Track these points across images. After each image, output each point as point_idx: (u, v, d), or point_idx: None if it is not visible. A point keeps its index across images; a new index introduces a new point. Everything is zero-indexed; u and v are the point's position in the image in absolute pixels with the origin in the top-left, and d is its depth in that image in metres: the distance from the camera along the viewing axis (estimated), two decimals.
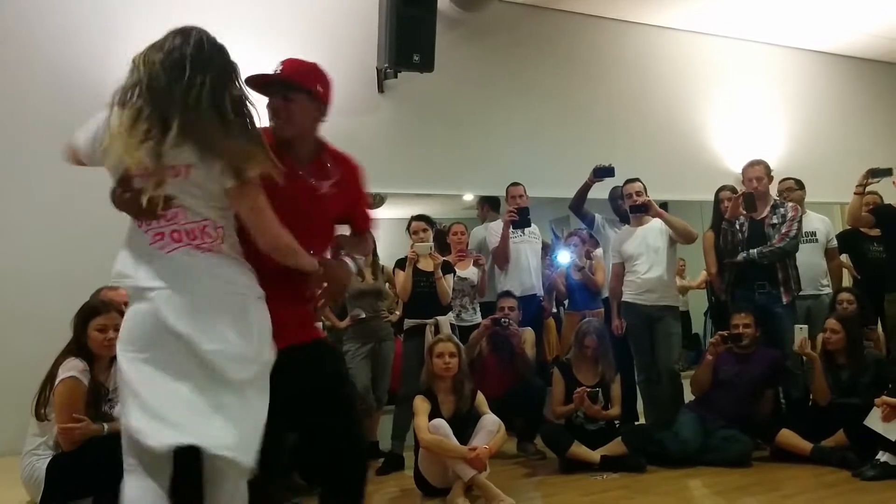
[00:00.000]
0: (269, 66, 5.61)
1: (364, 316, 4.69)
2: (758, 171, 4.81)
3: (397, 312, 5.02)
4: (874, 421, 3.89)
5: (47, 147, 4.44)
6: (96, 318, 3.13)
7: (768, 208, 4.77)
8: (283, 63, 2.43)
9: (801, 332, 4.39)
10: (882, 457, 3.81)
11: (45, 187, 4.41)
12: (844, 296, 4.91)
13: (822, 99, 7.46)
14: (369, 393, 4.67)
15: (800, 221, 4.72)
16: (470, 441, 3.72)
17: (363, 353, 4.68)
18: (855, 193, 4.86)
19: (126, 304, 3.57)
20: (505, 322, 4.62)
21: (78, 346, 3.12)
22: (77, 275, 4.02)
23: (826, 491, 3.69)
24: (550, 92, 6.07)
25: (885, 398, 3.88)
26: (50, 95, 4.48)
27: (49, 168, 4.45)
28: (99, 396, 3.10)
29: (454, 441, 3.67)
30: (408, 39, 5.01)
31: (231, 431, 1.84)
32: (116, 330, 3.09)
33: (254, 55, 4.89)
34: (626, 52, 6.40)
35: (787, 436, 4.26)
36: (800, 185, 5.55)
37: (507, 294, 4.94)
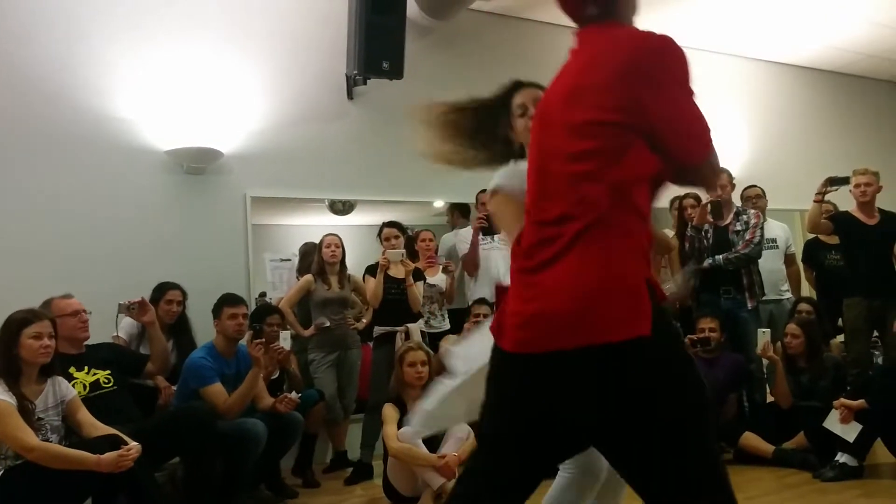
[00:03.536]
0: (239, 72, 5.58)
1: (328, 325, 4.67)
2: (722, 180, 4.90)
3: (364, 320, 5.01)
4: (833, 423, 3.97)
5: (6, 150, 4.37)
6: (29, 327, 3.01)
7: (732, 215, 4.86)
8: None
9: (763, 335, 4.46)
10: (841, 458, 3.90)
11: (3, 192, 4.32)
12: (804, 306, 5.00)
13: (782, 108, 7.62)
14: (336, 402, 4.65)
15: (762, 228, 4.83)
16: (439, 449, 3.72)
17: (329, 362, 4.67)
18: (814, 201, 4.96)
19: (85, 310, 3.56)
20: None
21: (6, 360, 2.99)
22: (35, 284, 3.95)
23: (788, 492, 3.76)
24: None
25: (843, 400, 3.96)
26: (9, 98, 4.39)
27: (8, 172, 4.37)
28: (28, 412, 2.96)
29: (423, 449, 3.66)
30: (377, 46, 5.00)
31: None
32: (51, 337, 3.04)
33: (223, 61, 4.89)
34: None
35: (750, 438, 4.34)
36: (763, 192, 5.68)
37: (482, 301, 4.95)
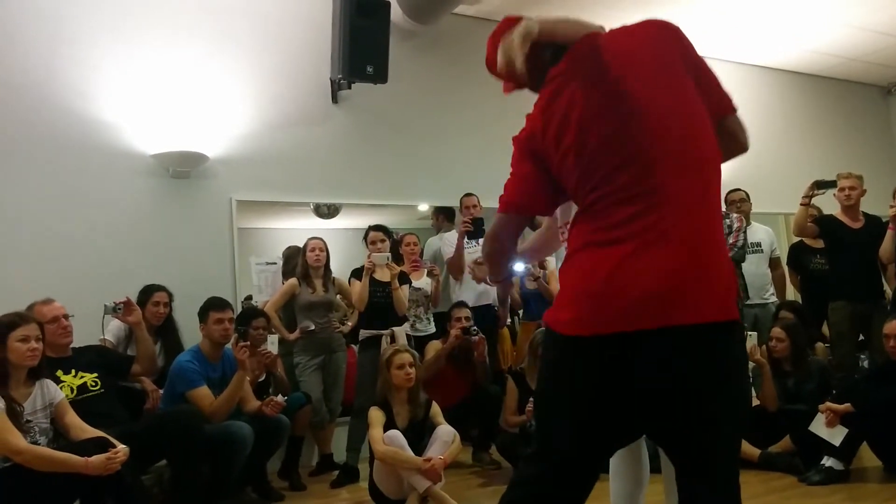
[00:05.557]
0: (224, 76, 5.56)
1: (313, 328, 4.65)
2: None
3: (349, 323, 4.99)
4: (818, 427, 3.98)
5: None
6: (16, 330, 3.02)
7: None
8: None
9: (750, 338, 4.46)
10: (827, 462, 3.91)
11: None
12: (785, 314, 4.98)
13: (766, 112, 7.67)
14: (322, 405, 4.63)
15: (745, 232, 4.83)
16: (425, 452, 3.71)
17: (314, 366, 4.65)
18: (801, 204, 4.98)
19: (66, 315, 3.53)
20: (474, 330, 4.63)
21: None
22: (21, 288, 3.92)
23: (774, 496, 3.76)
24: (504, 103, 6.07)
25: (828, 404, 3.97)
26: None
27: None
28: (16, 415, 2.97)
29: (409, 452, 3.65)
30: (361, 50, 5.01)
31: None
32: (38, 340, 3.04)
33: (208, 65, 4.87)
34: None
35: None
36: (747, 196, 5.71)
37: (462, 304, 4.95)
